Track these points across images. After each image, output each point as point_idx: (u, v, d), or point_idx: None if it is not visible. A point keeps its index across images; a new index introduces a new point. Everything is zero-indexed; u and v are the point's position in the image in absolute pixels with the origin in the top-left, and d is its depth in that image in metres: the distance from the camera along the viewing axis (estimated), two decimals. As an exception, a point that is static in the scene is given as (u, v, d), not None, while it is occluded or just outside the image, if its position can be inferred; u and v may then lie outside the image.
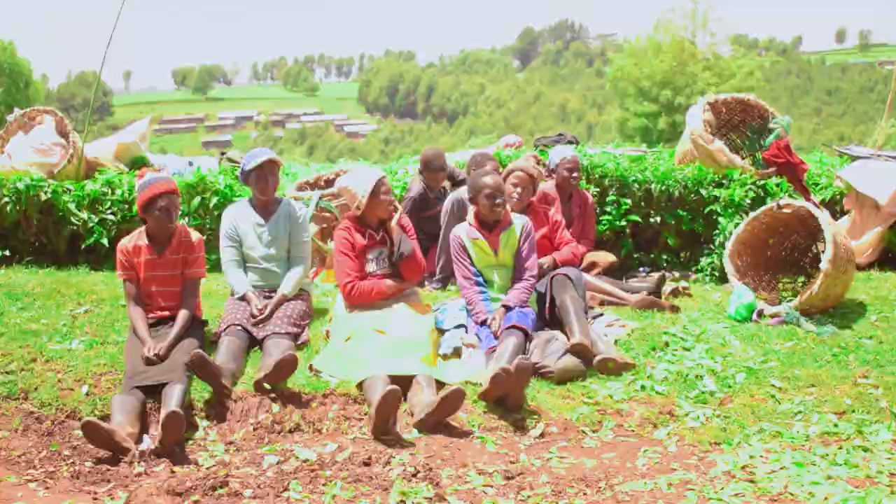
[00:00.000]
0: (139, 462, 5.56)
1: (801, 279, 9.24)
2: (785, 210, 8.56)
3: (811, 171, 10.57)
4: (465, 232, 7.54)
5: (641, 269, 10.07)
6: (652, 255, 10.39)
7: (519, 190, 8.22)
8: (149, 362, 6.30)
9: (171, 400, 5.87)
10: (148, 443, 5.80)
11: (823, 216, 8.16)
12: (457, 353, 7.10)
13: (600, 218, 10.12)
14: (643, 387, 6.69)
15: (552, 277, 7.57)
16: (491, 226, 7.50)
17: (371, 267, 7.34)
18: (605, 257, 9.24)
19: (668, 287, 8.91)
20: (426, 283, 9.07)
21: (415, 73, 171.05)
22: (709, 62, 44.83)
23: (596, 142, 14.28)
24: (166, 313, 6.87)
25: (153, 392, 6.15)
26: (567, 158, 9.19)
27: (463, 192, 8.94)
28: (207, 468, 5.53)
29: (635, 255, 10.37)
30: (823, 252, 7.93)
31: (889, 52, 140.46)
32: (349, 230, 7.31)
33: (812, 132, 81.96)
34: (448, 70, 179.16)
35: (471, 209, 7.69)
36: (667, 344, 7.42)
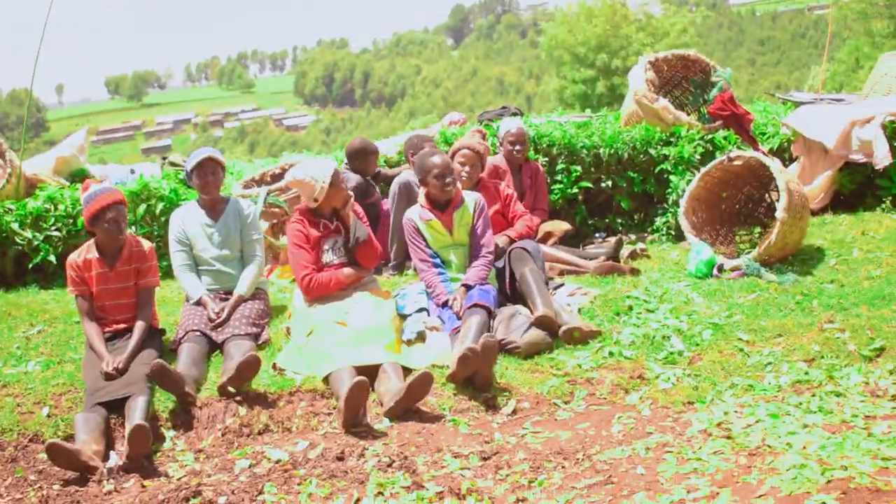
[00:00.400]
0: (108, 480, 5.43)
1: (758, 230, 9.25)
2: (736, 162, 8.55)
3: (756, 120, 10.56)
4: (417, 214, 7.45)
5: (597, 234, 10.02)
6: (606, 220, 10.34)
7: (467, 168, 8.15)
8: (108, 377, 6.16)
9: (135, 413, 5.75)
10: (115, 459, 5.66)
11: (775, 165, 8.16)
12: (421, 337, 7.01)
13: (552, 187, 10.05)
14: (611, 353, 6.65)
15: (510, 252, 7.49)
16: (443, 206, 7.42)
17: (327, 257, 7.23)
18: (561, 226, 9.18)
19: (625, 250, 8.88)
20: (383, 269, 8.95)
21: (349, 60, 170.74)
22: (641, 23, 45.11)
23: (537, 112, 14.23)
24: (122, 326, 6.72)
25: (116, 407, 6.01)
26: (511, 132, 9.11)
27: (409, 174, 8.86)
28: (179, 479, 5.41)
29: (590, 222, 10.32)
30: (777, 201, 7.92)
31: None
32: (302, 222, 7.20)
33: (748, 83, 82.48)
34: (382, 54, 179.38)
35: (421, 191, 7.60)
36: (630, 308, 7.38)
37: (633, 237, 9.89)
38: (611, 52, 42.57)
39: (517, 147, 9.08)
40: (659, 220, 10.01)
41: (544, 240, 8.80)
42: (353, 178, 9.09)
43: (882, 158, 9.34)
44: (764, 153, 9.37)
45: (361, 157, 9.33)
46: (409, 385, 5.88)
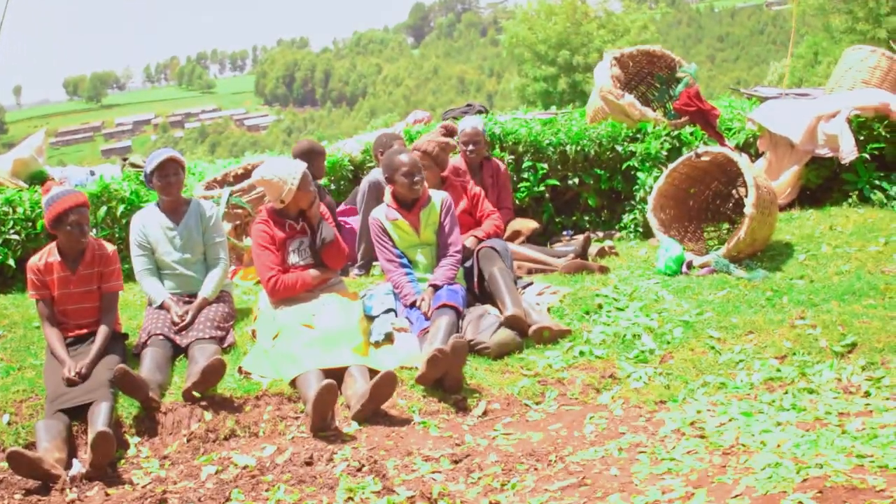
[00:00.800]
0: (71, 488, 5.33)
1: (726, 226, 9.25)
2: (703, 158, 8.53)
3: (722, 116, 10.54)
4: (383, 214, 7.37)
5: (565, 232, 9.97)
6: (574, 218, 10.28)
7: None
8: (70, 383, 6.03)
9: (98, 419, 5.63)
10: (78, 467, 5.54)
11: (742, 160, 8.15)
12: (389, 338, 6.93)
13: (518, 185, 10.01)
14: (582, 352, 6.61)
15: (478, 251, 7.44)
16: (409, 205, 7.34)
17: (293, 258, 7.14)
18: (528, 224, 9.14)
19: (594, 248, 8.84)
20: (350, 270, 8.86)
21: (310, 59, 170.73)
22: (602, 20, 45.17)
23: (499, 110, 14.20)
24: (84, 331, 6.59)
25: (78, 414, 5.89)
26: (465, 131, 8.99)
27: (377, 173, 8.77)
28: (143, 487, 5.33)
29: (557, 220, 10.25)
30: (745, 196, 7.90)
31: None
32: (267, 223, 7.10)
33: (708, 79, 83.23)
34: (343, 54, 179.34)
35: (387, 190, 7.51)
36: (600, 306, 7.33)
37: (600, 235, 9.85)
38: (572, 49, 42.58)
39: (470, 147, 8.95)
40: (627, 218, 9.97)
41: (512, 238, 8.75)
42: None
43: (848, 153, 9.34)
44: (731, 149, 9.35)
45: (310, 159, 9.21)
46: (373, 386, 5.82)
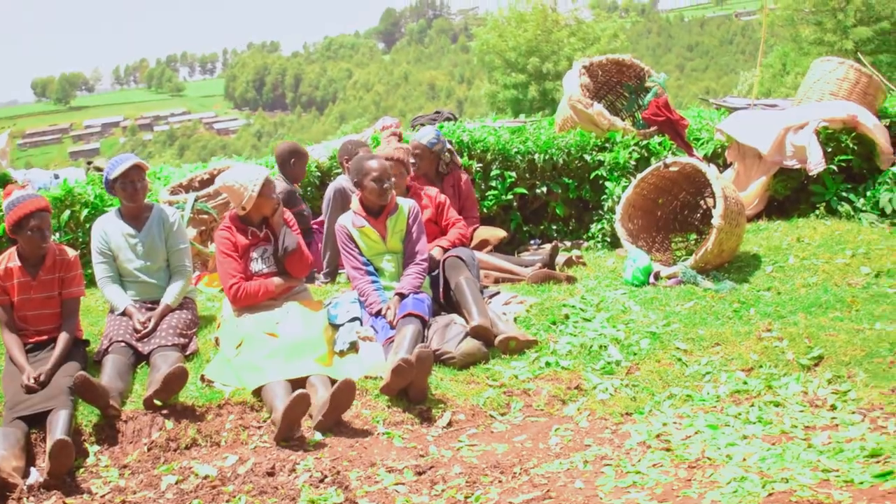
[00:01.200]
0: (28, 497, 5.26)
1: (693, 237, 9.25)
2: (672, 168, 8.53)
3: (691, 126, 10.54)
4: (350, 221, 7.31)
5: (532, 241, 9.94)
6: (542, 227, 10.24)
7: (393, 179, 7.95)
8: (29, 390, 5.94)
9: (57, 427, 5.54)
10: (36, 476, 5.47)
11: (711, 171, 8.16)
12: (354, 347, 6.88)
13: (486, 193, 9.97)
14: (548, 363, 6.58)
15: (444, 260, 7.39)
16: (377, 212, 7.29)
17: (256, 266, 7.07)
18: (495, 233, 9.07)
19: (561, 257, 8.79)
20: (315, 277, 8.78)
21: (280, 63, 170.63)
22: (572, 28, 45.18)
23: (469, 117, 14.18)
24: (44, 337, 6.49)
25: (37, 421, 5.80)
26: (414, 144, 8.90)
27: (343, 180, 8.72)
28: (102, 496, 5.27)
29: (525, 228, 10.21)
30: (713, 207, 7.89)
31: (745, 2, 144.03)
32: (230, 230, 7.04)
33: (678, 88, 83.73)
34: (314, 58, 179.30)
35: (355, 197, 7.45)
36: (567, 316, 7.30)
37: (568, 244, 9.83)
38: (542, 56, 42.57)
39: (412, 160, 8.76)
40: (594, 227, 9.94)
41: (480, 247, 8.69)
42: (279, 185, 8.91)
43: (816, 164, 9.37)
44: (699, 159, 9.36)
45: (292, 161, 9.16)
46: (332, 394, 5.78)
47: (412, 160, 8.73)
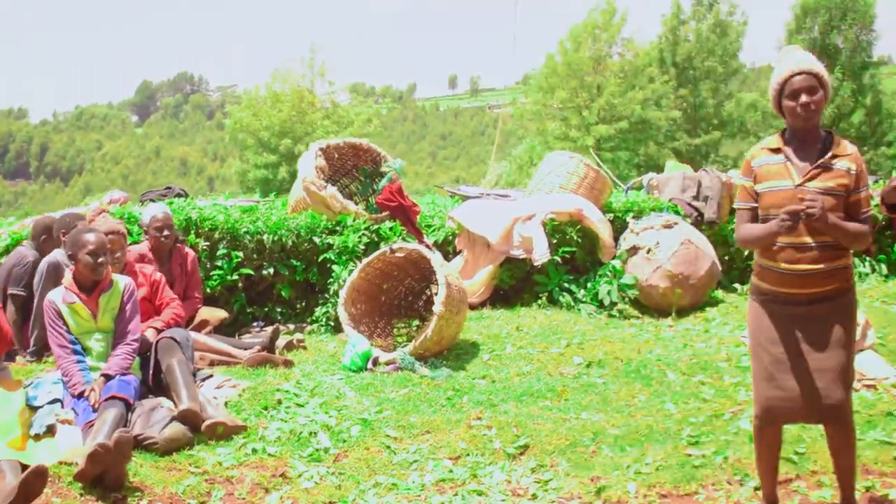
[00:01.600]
0: None
1: (416, 323, 9.28)
2: (398, 254, 8.60)
3: (424, 212, 10.65)
4: (60, 297, 6.95)
5: (255, 323, 9.76)
6: (266, 309, 10.08)
7: (118, 254, 7.68)
8: None
9: None
10: None
11: (435, 257, 8.22)
12: (51, 431, 6.47)
13: (211, 273, 9.74)
14: (255, 450, 6.37)
15: (158, 342, 7.12)
16: (89, 288, 6.95)
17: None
18: (217, 314, 8.87)
19: (282, 341, 8.65)
20: (20, 355, 8.32)
21: (27, 131, 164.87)
22: (328, 111, 45.59)
23: (217, 194, 13.94)
24: None
25: None
26: (157, 217, 8.62)
27: (59, 254, 8.34)
28: None
29: (249, 310, 10.01)
30: (437, 294, 7.93)
31: (498, 95, 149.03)
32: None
33: (428, 176, 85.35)
34: (62, 127, 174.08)
35: (68, 271, 7.12)
36: (279, 401, 7.14)
37: (291, 327, 9.69)
38: (295, 137, 42.64)
39: (165, 233, 8.62)
40: (319, 311, 9.82)
41: (199, 328, 8.45)
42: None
43: (541, 255, 9.61)
44: (428, 245, 9.46)
45: (42, 238, 8.76)
46: (21, 481, 5.38)
47: (166, 233, 8.62)
